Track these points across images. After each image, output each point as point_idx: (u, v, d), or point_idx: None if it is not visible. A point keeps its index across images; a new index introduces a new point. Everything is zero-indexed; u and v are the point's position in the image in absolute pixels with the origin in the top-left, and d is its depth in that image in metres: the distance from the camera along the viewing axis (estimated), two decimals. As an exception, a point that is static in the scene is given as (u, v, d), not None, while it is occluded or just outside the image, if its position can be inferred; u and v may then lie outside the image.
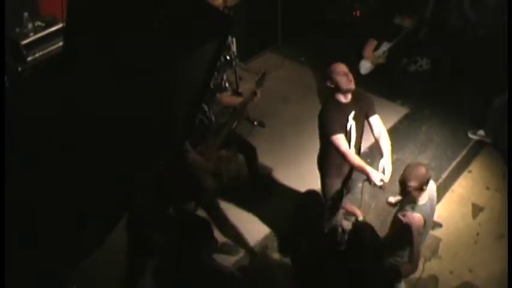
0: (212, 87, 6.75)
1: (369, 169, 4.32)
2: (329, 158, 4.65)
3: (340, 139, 4.35)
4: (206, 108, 5.37)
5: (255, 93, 5.24)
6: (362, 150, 6.14)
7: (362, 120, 4.55)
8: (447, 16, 7.70)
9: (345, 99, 4.40)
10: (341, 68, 4.30)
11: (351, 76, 4.30)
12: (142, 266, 4.47)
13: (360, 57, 7.26)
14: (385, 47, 6.91)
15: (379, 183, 4.27)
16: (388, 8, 7.34)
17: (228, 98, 5.68)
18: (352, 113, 4.43)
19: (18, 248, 2.50)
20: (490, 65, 6.79)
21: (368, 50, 6.95)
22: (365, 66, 7.12)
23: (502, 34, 6.94)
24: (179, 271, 3.43)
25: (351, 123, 4.45)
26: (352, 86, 4.31)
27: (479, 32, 7.34)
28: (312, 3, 8.37)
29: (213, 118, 5.41)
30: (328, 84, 4.34)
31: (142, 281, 4.49)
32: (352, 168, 4.73)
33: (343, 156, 4.40)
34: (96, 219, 2.69)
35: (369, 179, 4.31)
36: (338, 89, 4.33)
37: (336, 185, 4.82)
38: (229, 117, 5.41)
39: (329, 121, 4.37)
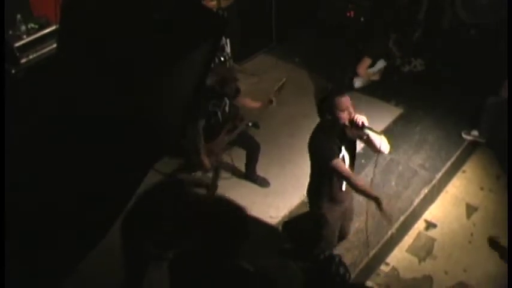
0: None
1: (376, 194, 4.22)
2: (324, 188, 4.42)
3: (340, 163, 4.15)
4: (227, 106, 5.45)
5: (271, 101, 5.33)
6: (357, 150, 6.19)
7: (354, 148, 4.43)
8: (440, 16, 7.73)
9: (337, 131, 4.22)
10: (345, 103, 4.08)
11: (352, 110, 4.11)
12: (141, 269, 4.44)
13: (354, 74, 7.31)
14: (381, 65, 6.95)
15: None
16: (382, 28, 7.40)
17: (247, 101, 5.77)
18: (344, 144, 4.29)
19: (16, 249, 2.50)
20: (484, 64, 6.82)
21: (362, 68, 7.00)
22: (358, 83, 7.20)
23: (495, 33, 6.98)
24: (200, 268, 3.36)
25: (343, 153, 4.28)
26: (348, 125, 4.13)
27: (472, 31, 7.37)
28: (306, 4, 8.38)
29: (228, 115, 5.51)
30: (327, 116, 4.14)
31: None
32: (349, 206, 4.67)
33: (346, 180, 4.21)
34: (93, 219, 2.69)
35: (378, 205, 4.18)
36: (336, 124, 4.15)
37: (332, 220, 4.59)
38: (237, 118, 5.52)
39: (325, 146, 4.17)
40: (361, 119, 4.09)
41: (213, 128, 5.48)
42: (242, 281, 3.33)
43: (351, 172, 4.22)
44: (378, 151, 4.30)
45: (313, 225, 4.58)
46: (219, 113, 5.41)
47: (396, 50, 7.14)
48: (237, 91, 5.68)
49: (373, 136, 4.21)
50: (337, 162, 4.12)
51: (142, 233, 4.22)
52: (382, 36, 7.31)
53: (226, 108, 5.49)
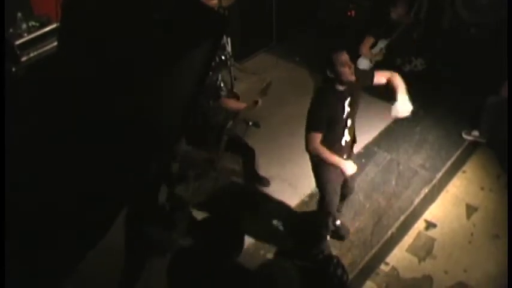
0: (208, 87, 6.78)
1: (342, 163, 4.42)
2: (323, 143, 4.52)
3: (315, 138, 4.36)
4: (206, 109, 5.37)
5: (256, 102, 5.29)
6: (357, 150, 6.19)
7: (357, 106, 4.55)
8: (440, 16, 7.72)
9: (342, 87, 4.34)
10: (344, 58, 4.22)
11: (352, 67, 4.25)
12: (140, 267, 4.45)
13: (358, 54, 7.26)
14: (382, 44, 6.91)
15: (350, 172, 4.42)
16: (382, 5, 7.34)
17: (231, 103, 5.69)
18: (348, 99, 4.41)
19: (16, 249, 2.50)
20: (484, 64, 6.81)
21: (365, 47, 6.95)
22: (363, 64, 7.11)
23: (495, 33, 6.97)
24: (200, 268, 3.35)
25: (347, 110, 4.43)
26: (353, 78, 4.25)
27: (472, 30, 7.36)
28: (306, 4, 8.38)
29: (214, 119, 5.42)
30: (328, 73, 4.27)
31: (141, 281, 4.48)
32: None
33: (318, 154, 4.45)
34: (93, 219, 2.69)
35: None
36: (338, 80, 4.27)
37: (333, 177, 4.75)
38: (225, 120, 5.43)
39: (317, 114, 4.36)
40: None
41: (201, 132, 5.37)
42: (242, 281, 3.33)
43: (318, 147, 4.40)
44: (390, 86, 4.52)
45: (313, 225, 4.58)
46: (204, 116, 5.31)
47: (398, 19, 7.03)
48: (217, 91, 5.61)
49: (379, 79, 4.48)
50: (313, 135, 4.35)
51: (143, 222, 4.24)
52: (383, 17, 7.24)
53: (207, 111, 5.38)
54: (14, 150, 2.41)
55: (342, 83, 4.28)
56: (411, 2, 7.19)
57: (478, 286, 5.13)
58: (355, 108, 4.54)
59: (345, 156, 4.69)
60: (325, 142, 4.47)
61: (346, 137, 4.60)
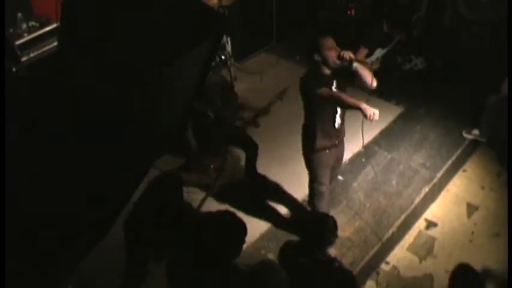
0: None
1: (364, 105, 4.35)
2: (318, 126, 4.70)
3: (326, 89, 4.43)
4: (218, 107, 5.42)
5: (270, 105, 5.45)
6: (357, 150, 6.19)
7: (345, 88, 4.64)
8: (441, 14, 7.72)
9: (328, 71, 4.50)
10: (330, 43, 4.42)
11: (338, 51, 4.41)
12: (141, 268, 4.44)
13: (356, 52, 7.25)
14: (378, 53, 6.91)
15: (376, 117, 4.30)
16: (379, 15, 7.34)
17: (248, 106, 5.80)
18: (335, 83, 4.52)
19: (17, 249, 2.50)
20: (485, 63, 6.81)
21: (359, 57, 6.99)
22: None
23: (495, 31, 6.97)
24: (197, 268, 3.36)
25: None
26: (338, 62, 4.41)
27: (473, 29, 7.36)
28: (307, 3, 8.38)
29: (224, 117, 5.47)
30: (316, 57, 4.45)
31: (142, 283, 4.49)
32: (340, 149, 4.97)
33: (336, 99, 4.47)
34: (93, 219, 2.69)
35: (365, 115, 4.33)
36: (325, 64, 4.45)
37: (324, 161, 4.89)
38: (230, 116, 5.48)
39: (315, 83, 4.46)
40: (348, 53, 4.39)
41: (208, 129, 5.41)
42: (239, 281, 3.33)
43: (337, 92, 4.50)
44: (366, 84, 4.51)
45: (320, 226, 4.57)
46: (210, 114, 5.36)
47: (391, 30, 7.02)
48: (227, 90, 5.68)
49: (362, 71, 4.46)
50: (323, 90, 4.42)
51: (143, 233, 4.23)
52: (377, 27, 7.24)
53: (220, 111, 5.42)
54: (14, 150, 2.41)
55: (328, 66, 4.46)
56: (407, 21, 7.20)
57: (478, 285, 5.13)
58: (344, 92, 4.64)
59: (338, 144, 4.89)
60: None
61: (338, 120, 4.71)
